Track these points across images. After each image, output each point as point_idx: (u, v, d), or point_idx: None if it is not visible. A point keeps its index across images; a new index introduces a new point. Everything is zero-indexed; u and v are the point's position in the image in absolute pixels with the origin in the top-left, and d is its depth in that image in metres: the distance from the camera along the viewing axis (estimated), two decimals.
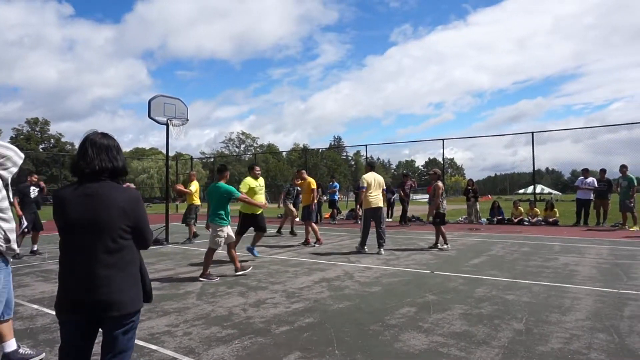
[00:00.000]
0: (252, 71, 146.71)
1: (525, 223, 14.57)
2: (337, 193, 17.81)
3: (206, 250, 6.49)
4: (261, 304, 4.93)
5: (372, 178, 8.75)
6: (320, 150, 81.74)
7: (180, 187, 11.87)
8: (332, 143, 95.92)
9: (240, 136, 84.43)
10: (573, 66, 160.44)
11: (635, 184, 12.70)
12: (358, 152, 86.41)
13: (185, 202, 11.58)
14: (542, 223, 14.42)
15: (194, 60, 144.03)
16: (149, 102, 10.58)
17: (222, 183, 6.52)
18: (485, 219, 15.47)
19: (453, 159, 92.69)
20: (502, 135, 73.41)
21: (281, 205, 13.14)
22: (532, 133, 16.10)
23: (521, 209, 15.34)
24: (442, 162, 18.47)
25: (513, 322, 4.11)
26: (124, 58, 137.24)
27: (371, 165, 9.24)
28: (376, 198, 8.69)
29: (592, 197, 13.78)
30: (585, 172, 14.22)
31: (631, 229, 12.27)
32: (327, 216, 18.09)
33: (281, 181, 69.88)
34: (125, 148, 77.62)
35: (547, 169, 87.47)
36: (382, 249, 8.54)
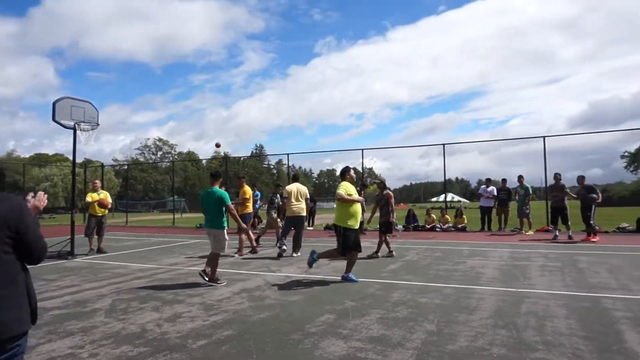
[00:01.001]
0: (172, 76, 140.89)
1: (437, 229, 15.48)
2: (258, 202, 17.63)
3: (208, 255, 6.71)
4: (177, 318, 4.71)
5: (295, 188, 9.48)
6: (241, 158, 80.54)
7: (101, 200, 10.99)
8: (254, 151, 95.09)
9: (157, 143, 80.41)
10: (479, 84, 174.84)
11: (530, 192, 14.08)
12: (280, 160, 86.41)
13: (87, 213, 10.80)
14: (453, 229, 15.41)
15: (109, 61, 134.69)
16: (54, 103, 9.74)
17: (216, 188, 6.70)
18: (401, 226, 16.19)
19: (372, 168, 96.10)
20: (417, 146, 78.03)
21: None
22: (444, 145, 17.24)
23: (434, 216, 16.28)
24: (361, 171, 19.05)
25: (426, 324, 4.32)
26: (28, 55, 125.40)
27: (295, 177, 10.28)
28: (298, 207, 9.38)
29: (493, 204, 15.03)
30: (488, 182, 15.49)
31: (527, 233, 13.54)
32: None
33: (201, 190, 67.79)
34: (25, 153, 70.65)
35: (456, 178, 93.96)
36: (296, 253, 9.31)
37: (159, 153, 79.68)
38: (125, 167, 58.74)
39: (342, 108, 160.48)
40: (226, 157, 50.60)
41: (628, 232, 13.57)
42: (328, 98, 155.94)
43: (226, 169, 31.63)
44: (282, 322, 4.50)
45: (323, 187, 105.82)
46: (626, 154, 63.59)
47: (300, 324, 4.40)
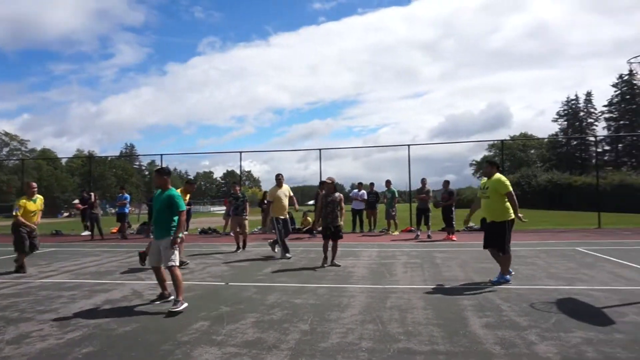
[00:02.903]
0: (28, 63, 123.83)
1: (313, 232, 15.96)
2: (127, 205, 16.35)
3: (169, 272, 5.16)
4: (24, 339, 4.13)
5: (286, 190, 9.63)
6: (109, 158, 73.92)
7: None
8: (124, 151, 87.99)
9: (3, 137, 69.53)
10: (354, 93, 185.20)
11: (397, 195, 15.36)
12: (153, 161, 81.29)
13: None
14: None
15: None
16: None
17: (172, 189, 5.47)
18: None
19: (250, 171, 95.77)
20: (294, 150, 79.93)
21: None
22: (320, 150, 17.89)
23: (309, 219, 16.77)
24: (239, 174, 18.84)
25: (300, 324, 4.43)
26: None
27: (279, 179, 9.61)
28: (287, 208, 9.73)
29: (363, 206, 16.06)
30: (359, 186, 16.50)
31: (393, 234, 14.74)
32: (114, 231, 16.42)
33: (58, 192, 60.52)
34: None
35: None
36: (288, 254, 9.31)
37: (5, 149, 69.09)
38: None
39: (223, 110, 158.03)
40: (90, 157, 45.93)
41: (475, 230, 15.56)
42: (209, 98, 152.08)
43: (90, 170, 28.77)
44: (151, 334, 4.23)
45: (199, 190, 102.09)
46: (474, 162, 73.47)
47: (171, 334, 4.18)
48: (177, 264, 5.22)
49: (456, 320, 4.46)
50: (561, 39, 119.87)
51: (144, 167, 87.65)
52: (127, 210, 16.34)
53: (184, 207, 5.28)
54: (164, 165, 22.94)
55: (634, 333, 3.96)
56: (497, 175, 6.38)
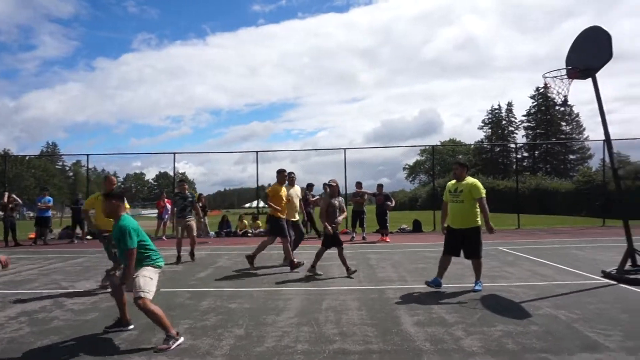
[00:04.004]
0: None
1: (249, 235, 15.78)
2: (50, 210, 15.19)
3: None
4: None
5: (299, 190, 8.80)
6: (27, 157, 68.29)
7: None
8: (46, 150, 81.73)
9: None
10: (293, 96, 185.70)
11: None
12: (78, 161, 76.38)
13: None
14: (263, 234, 15.90)
15: None
16: None
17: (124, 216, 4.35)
18: (213, 233, 15.99)
19: (185, 172, 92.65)
20: (230, 152, 78.72)
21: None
22: (257, 152, 17.73)
23: (245, 222, 16.56)
24: (173, 175, 18.19)
25: (235, 329, 4.35)
26: None
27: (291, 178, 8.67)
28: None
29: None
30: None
31: None
32: (32, 236, 15.18)
33: None
34: None
35: (269, 184, 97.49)
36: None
37: None
38: None
39: (158, 109, 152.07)
40: (5, 155, 42.19)
41: (407, 232, 16.16)
42: (143, 97, 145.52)
43: (5, 169, 26.50)
44: (74, 346, 3.96)
45: (131, 192, 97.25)
46: (406, 166, 76.57)
47: (95, 346, 3.94)
48: (149, 296, 4.02)
49: (389, 320, 4.60)
50: (487, 52, 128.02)
51: (67, 168, 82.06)
52: (49, 214, 15.20)
53: (134, 245, 4.06)
54: (91, 166, 21.63)
55: (547, 325, 4.30)
56: (472, 178, 6.10)
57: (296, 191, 8.77)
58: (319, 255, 7.31)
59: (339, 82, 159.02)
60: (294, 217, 8.60)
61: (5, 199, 14.04)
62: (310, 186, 14.21)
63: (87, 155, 19.42)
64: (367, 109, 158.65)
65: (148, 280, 4.07)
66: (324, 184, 15.42)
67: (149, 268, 4.18)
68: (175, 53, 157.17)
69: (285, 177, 8.28)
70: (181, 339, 3.96)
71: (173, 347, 3.83)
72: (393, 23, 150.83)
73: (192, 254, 9.25)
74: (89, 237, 14.77)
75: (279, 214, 8.02)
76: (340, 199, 7.63)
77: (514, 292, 5.75)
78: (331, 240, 7.27)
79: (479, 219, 5.89)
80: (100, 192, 6.34)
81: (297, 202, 8.68)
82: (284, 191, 8.16)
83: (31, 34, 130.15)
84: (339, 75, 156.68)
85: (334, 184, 7.48)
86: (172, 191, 18.87)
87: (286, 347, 3.83)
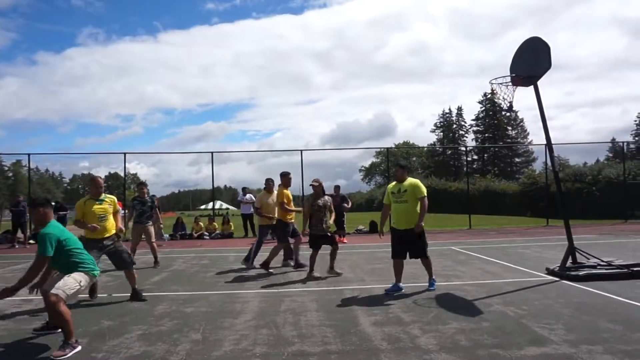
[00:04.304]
0: None
1: (205, 237, 15.47)
2: None
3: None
4: None
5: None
6: None
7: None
8: None
9: None
10: (248, 97, 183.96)
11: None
12: (19, 161, 71.89)
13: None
14: (220, 236, 15.65)
15: None
16: None
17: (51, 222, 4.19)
18: (167, 235, 15.56)
19: (136, 173, 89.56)
20: (185, 152, 76.89)
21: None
22: (212, 153, 17.44)
23: (201, 224, 16.23)
24: (123, 176, 17.55)
25: (191, 334, 4.25)
26: None
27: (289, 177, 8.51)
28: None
29: (251, 210, 16.00)
30: (244, 190, 16.39)
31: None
32: None
33: None
34: None
35: (225, 186, 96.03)
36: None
37: None
38: None
39: (106, 107, 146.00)
40: None
41: (364, 233, 16.38)
42: (90, 95, 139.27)
43: None
44: (15, 357, 3.73)
45: (77, 193, 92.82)
46: (362, 168, 77.77)
47: (39, 356, 3.73)
48: (63, 297, 3.87)
49: (347, 320, 4.64)
50: (437, 58, 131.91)
51: (6, 168, 77.13)
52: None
53: (48, 254, 3.90)
54: (33, 166, 20.47)
55: (497, 321, 4.49)
56: (413, 179, 6.13)
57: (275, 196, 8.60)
58: (313, 259, 7.18)
59: (294, 84, 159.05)
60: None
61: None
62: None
63: (29, 154, 18.40)
64: (322, 110, 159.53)
65: (72, 282, 3.98)
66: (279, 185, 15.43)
67: (82, 273, 4.11)
68: (123, 49, 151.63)
69: (290, 180, 8.38)
70: (79, 348, 3.81)
71: (69, 354, 3.67)
72: (347, 27, 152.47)
73: (156, 260, 8.78)
74: (31, 241, 13.96)
75: (289, 218, 8.14)
76: (326, 198, 7.40)
77: (467, 291, 5.97)
78: (317, 241, 7.19)
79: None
80: (87, 195, 5.91)
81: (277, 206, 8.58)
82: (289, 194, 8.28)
83: None
84: (294, 77, 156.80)
85: (317, 184, 7.30)
86: (123, 193, 18.19)
87: (244, 350, 3.79)
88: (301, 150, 17.02)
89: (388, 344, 3.88)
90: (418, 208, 5.93)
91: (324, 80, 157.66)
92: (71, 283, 3.97)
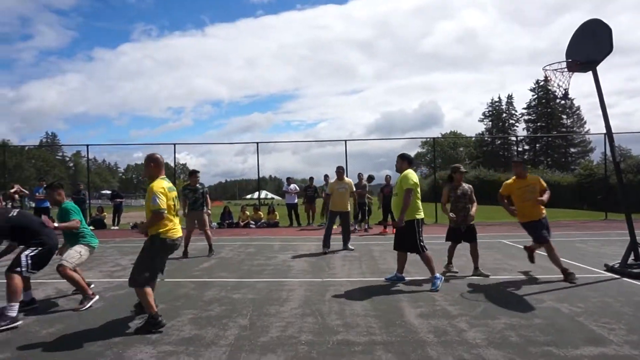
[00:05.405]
0: None
1: (251, 226, 15.80)
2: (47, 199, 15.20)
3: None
4: None
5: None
6: (26, 148, 68.20)
7: None
8: (45, 140, 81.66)
9: None
10: (292, 88, 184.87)
11: None
12: (78, 152, 76.42)
13: None
14: (265, 225, 15.94)
15: None
16: None
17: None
18: (215, 224, 16.01)
19: (186, 164, 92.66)
20: (231, 143, 79.10)
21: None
22: (257, 143, 17.70)
23: (247, 213, 16.57)
24: (173, 166, 18.19)
25: (239, 319, 4.37)
26: None
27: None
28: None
29: (296, 200, 16.16)
30: (288, 180, 16.56)
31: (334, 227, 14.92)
32: None
33: None
34: None
35: (270, 176, 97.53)
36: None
37: None
38: None
39: (159, 100, 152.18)
40: (4, 146, 42.17)
41: None
42: (143, 89, 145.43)
43: (4, 160, 26.52)
44: (79, 335, 3.98)
45: (131, 183, 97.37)
46: None
47: (100, 334, 3.96)
48: (69, 265, 4.89)
49: (392, 311, 4.61)
50: (485, 45, 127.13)
51: (68, 158, 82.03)
52: (47, 204, 15.21)
53: (79, 217, 5.13)
54: (91, 157, 21.65)
55: (551, 317, 4.31)
56: (408, 170, 5.85)
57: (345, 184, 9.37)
58: (450, 251, 6.74)
59: (338, 74, 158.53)
60: (347, 208, 9.33)
61: (13, 190, 14.13)
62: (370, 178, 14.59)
63: (87, 145, 19.49)
64: (366, 100, 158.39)
65: (75, 253, 4.98)
66: (325, 175, 15.47)
67: (82, 245, 5.09)
68: (173, 44, 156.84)
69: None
70: (96, 297, 4.97)
71: (87, 305, 4.74)
72: (391, 15, 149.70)
73: (211, 249, 8.84)
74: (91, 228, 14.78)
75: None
76: (466, 187, 6.66)
77: (517, 285, 5.76)
78: (455, 234, 6.61)
79: (415, 212, 5.71)
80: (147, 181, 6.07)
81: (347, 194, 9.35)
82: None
83: (27, 24, 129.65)
84: (338, 67, 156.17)
85: (460, 170, 6.66)
86: (174, 182, 18.86)
87: (290, 337, 3.85)
88: (345, 141, 16.97)
89: (434, 336, 3.82)
90: (414, 202, 5.70)
91: (367, 70, 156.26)
92: (73, 254, 4.97)
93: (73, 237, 5.12)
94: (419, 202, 5.83)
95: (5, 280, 4.40)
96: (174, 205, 4.32)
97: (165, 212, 4.13)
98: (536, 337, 3.77)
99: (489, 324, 4.13)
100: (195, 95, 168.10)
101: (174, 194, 4.38)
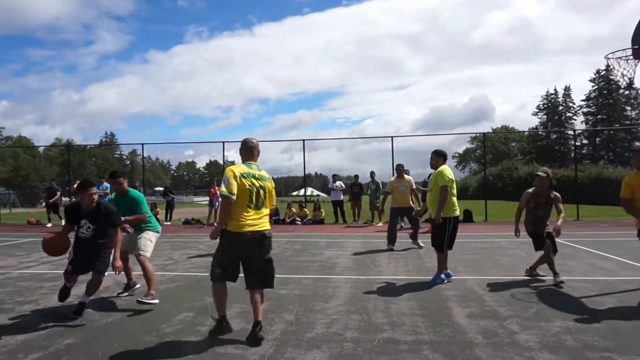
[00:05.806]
0: (6, 49, 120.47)
1: (297, 222, 15.98)
2: (109, 195, 16.05)
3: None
4: (4, 330, 4.05)
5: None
6: (88, 147, 72.36)
7: None
8: (104, 140, 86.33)
9: None
10: (337, 85, 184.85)
11: (381, 187, 15.41)
12: (134, 151, 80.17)
13: None
14: (311, 222, 16.06)
15: None
16: None
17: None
18: None
19: (234, 161, 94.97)
20: (278, 141, 79.66)
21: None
22: (304, 141, 17.83)
23: (293, 209, 16.76)
24: (222, 164, 18.71)
25: (285, 315, 4.44)
26: None
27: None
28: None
29: (342, 197, 16.11)
30: (334, 177, 16.53)
31: (377, 225, 14.81)
32: None
33: (36, 181, 59.16)
34: None
35: (316, 173, 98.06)
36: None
37: None
38: None
39: (209, 100, 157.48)
40: (69, 145, 44.99)
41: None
42: (195, 89, 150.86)
43: (69, 158, 28.29)
44: (134, 325, 4.19)
45: (182, 180, 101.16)
46: (456, 154, 74.47)
47: (154, 325, 4.15)
48: (147, 255, 5.04)
49: (439, 311, 4.52)
50: (539, 35, 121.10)
51: (125, 157, 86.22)
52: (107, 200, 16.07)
53: (147, 210, 5.29)
54: (146, 155, 22.70)
55: (611, 322, 4.06)
56: (444, 166, 5.77)
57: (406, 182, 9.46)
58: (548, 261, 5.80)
59: (385, 70, 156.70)
60: (409, 204, 9.46)
61: (77, 186, 15.05)
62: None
63: (142, 144, 20.50)
64: (413, 96, 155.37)
65: (148, 242, 5.14)
66: (371, 172, 15.37)
67: (150, 232, 5.25)
68: (222, 44, 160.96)
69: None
70: (157, 300, 4.77)
71: (151, 302, 4.69)
72: (439, 8, 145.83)
73: None
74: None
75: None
76: (552, 194, 5.84)
77: (574, 287, 5.48)
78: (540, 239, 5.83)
79: (450, 209, 5.68)
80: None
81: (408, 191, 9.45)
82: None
83: (90, 31, 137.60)
84: (385, 63, 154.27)
85: (544, 175, 5.81)
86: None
87: (336, 334, 3.86)
88: (392, 137, 16.78)
89: (483, 337, 3.71)
90: (450, 199, 5.64)
91: (415, 65, 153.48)
92: (147, 243, 5.13)
93: (139, 224, 5.28)
94: (455, 199, 5.78)
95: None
96: (254, 194, 3.86)
97: (233, 197, 3.70)
98: (594, 341, 3.58)
99: (542, 327, 3.95)
100: (244, 94, 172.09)
101: (260, 182, 3.91)
